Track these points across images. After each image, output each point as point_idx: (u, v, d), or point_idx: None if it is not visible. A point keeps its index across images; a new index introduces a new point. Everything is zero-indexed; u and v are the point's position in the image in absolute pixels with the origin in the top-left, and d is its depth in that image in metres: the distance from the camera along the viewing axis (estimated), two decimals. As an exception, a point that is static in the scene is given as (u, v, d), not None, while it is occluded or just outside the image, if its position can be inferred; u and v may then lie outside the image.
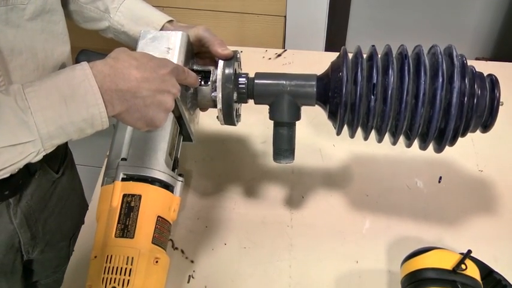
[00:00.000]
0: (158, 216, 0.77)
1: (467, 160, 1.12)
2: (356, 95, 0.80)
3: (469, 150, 1.14)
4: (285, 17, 1.49)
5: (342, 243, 0.99)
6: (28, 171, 0.99)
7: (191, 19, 1.51)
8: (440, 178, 1.08)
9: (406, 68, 0.79)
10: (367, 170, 1.12)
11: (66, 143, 1.17)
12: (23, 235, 1.04)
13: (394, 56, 0.82)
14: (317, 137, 1.18)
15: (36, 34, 0.87)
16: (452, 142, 0.83)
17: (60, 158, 1.13)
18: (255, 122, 1.15)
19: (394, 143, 0.85)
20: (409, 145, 0.85)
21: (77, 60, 0.91)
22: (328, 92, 0.83)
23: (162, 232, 0.78)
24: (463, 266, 0.80)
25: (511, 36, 1.68)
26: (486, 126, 0.84)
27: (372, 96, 0.80)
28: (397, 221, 1.02)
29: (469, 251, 0.82)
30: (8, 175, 0.68)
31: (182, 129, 0.88)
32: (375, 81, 0.79)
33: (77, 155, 1.26)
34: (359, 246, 0.98)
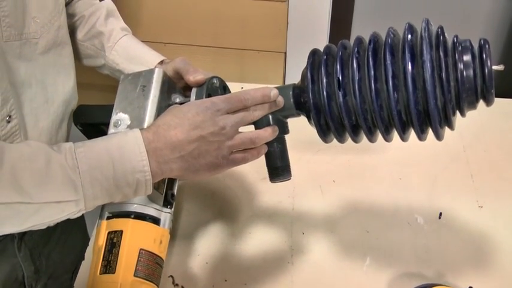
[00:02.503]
0: (141, 249, 0.77)
1: (467, 196, 1.12)
2: (321, 94, 0.76)
3: (469, 186, 1.14)
4: (285, 53, 1.51)
5: (343, 280, 0.98)
6: None
7: (192, 55, 1.53)
8: (441, 214, 1.08)
9: (371, 53, 0.73)
10: (367, 206, 1.12)
11: None
12: (27, 268, 1.04)
13: (359, 46, 0.77)
14: (317, 172, 1.18)
15: (49, 67, 0.88)
16: (446, 123, 0.74)
17: None
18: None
19: (385, 138, 0.79)
20: (403, 139, 0.78)
21: (75, 115, 0.93)
22: (301, 98, 0.80)
23: (148, 265, 0.78)
24: (465, 304, 0.80)
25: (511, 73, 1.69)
26: (485, 97, 0.72)
27: (339, 92, 0.75)
28: (398, 257, 1.02)
29: (470, 288, 0.81)
30: (44, 227, 0.69)
31: None
32: (339, 75, 0.75)
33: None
34: (360, 282, 0.98)
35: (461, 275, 0.98)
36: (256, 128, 0.81)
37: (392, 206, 1.11)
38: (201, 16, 1.48)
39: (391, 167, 1.19)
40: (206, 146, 0.74)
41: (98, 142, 0.71)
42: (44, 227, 0.70)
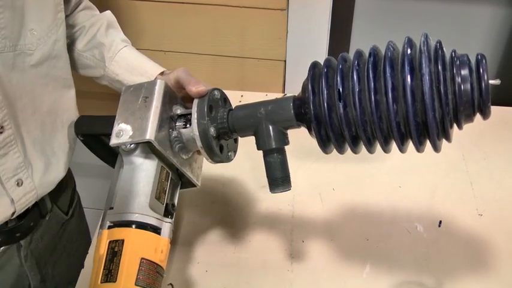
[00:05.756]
0: (142, 258, 0.78)
1: (467, 204, 1.13)
2: (322, 105, 0.77)
3: (469, 195, 1.15)
4: (285, 61, 1.51)
5: (343, 288, 0.99)
6: (40, 213, 1.00)
7: (192, 63, 1.54)
8: (440, 222, 1.09)
9: (371, 66, 0.74)
10: (367, 214, 1.12)
11: (74, 185, 1.18)
12: (33, 278, 1.04)
13: (359, 59, 0.77)
14: (317, 180, 1.18)
15: (39, 79, 0.88)
16: (444, 135, 0.74)
17: (69, 199, 1.14)
18: (255, 167, 1.15)
19: (383, 149, 0.79)
20: (402, 150, 0.78)
21: (76, 126, 0.93)
22: (302, 110, 0.81)
23: (149, 274, 0.78)
24: (465, 312, 0.80)
25: (511, 81, 1.70)
26: (482, 110, 0.72)
27: (340, 103, 0.75)
28: (397, 265, 1.02)
29: (470, 297, 0.81)
30: None
31: (183, 177, 0.88)
32: (339, 87, 0.75)
33: (83, 198, 1.26)
34: (360, 291, 0.98)
35: (460, 283, 0.98)
36: (256, 142, 0.83)
37: (392, 214, 1.12)
38: (201, 24, 1.49)
39: (390, 175, 1.20)
40: None
41: None
42: None
